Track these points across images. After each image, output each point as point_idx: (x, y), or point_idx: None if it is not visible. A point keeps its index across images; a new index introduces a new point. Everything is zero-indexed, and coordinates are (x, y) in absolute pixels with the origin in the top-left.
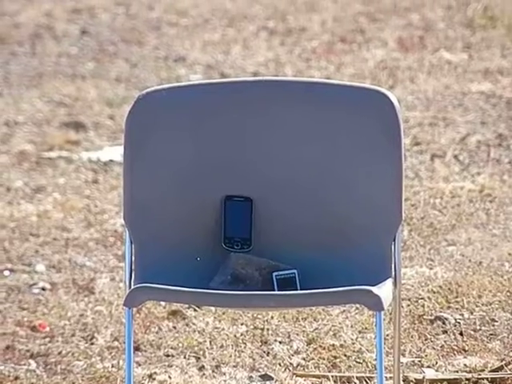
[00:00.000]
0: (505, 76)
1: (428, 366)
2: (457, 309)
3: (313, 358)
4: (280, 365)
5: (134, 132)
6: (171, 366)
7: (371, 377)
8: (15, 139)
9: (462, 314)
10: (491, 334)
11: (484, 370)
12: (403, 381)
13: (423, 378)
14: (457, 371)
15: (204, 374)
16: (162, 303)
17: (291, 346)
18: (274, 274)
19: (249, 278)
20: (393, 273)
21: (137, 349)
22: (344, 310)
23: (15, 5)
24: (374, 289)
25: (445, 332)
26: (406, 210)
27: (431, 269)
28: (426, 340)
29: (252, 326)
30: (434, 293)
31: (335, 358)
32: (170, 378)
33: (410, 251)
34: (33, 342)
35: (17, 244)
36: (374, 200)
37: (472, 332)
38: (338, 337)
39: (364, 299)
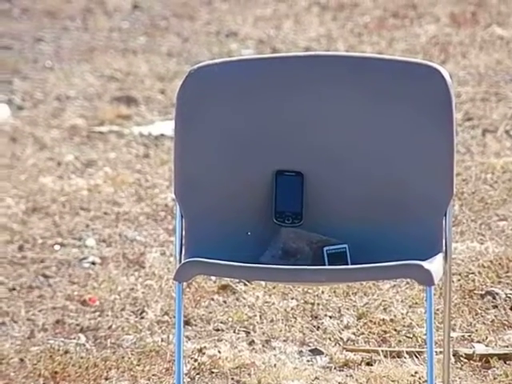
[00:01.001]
0: None
1: (478, 341)
2: (507, 284)
3: (363, 333)
4: (330, 339)
5: (185, 106)
6: (221, 341)
7: (421, 351)
8: (66, 113)
9: None
10: None
11: None
12: (453, 355)
13: (473, 352)
14: (507, 346)
15: (254, 349)
16: (212, 278)
17: (341, 321)
18: (325, 248)
19: (299, 252)
20: (444, 247)
21: (187, 323)
22: (394, 285)
23: None
24: (425, 263)
25: (495, 307)
26: (457, 185)
27: (482, 244)
28: (476, 315)
29: (302, 301)
30: (485, 268)
31: (385, 332)
32: (219, 352)
33: (461, 226)
34: (83, 316)
35: (67, 218)
36: (426, 175)
37: None
38: (388, 311)
39: (415, 274)
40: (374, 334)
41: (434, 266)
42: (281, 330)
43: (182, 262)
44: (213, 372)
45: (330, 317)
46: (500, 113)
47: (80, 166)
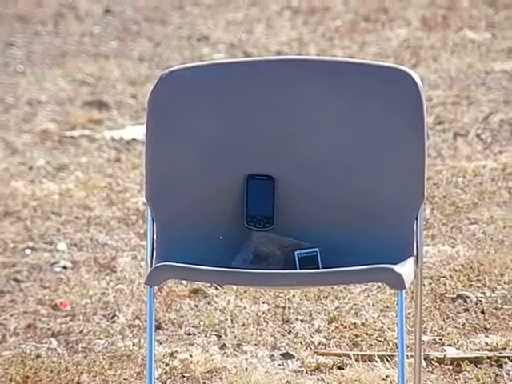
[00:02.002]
0: None
1: (449, 345)
2: (478, 287)
3: (334, 337)
4: (301, 343)
5: (157, 111)
6: (192, 345)
7: (392, 355)
8: (38, 118)
9: (484, 293)
10: None
11: (506, 349)
12: (424, 359)
13: (444, 356)
14: (478, 350)
15: (225, 353)
16: (184, 282)
17: (312, 325)
18: (296, 252)
19: (271, 256)
20: (415, 251)
21: (158, 327)
22: (366, 289)
23: None
24: (396, 267)
25: (466, 310)
26: (428, 189)
27: (453, 247)
28: (447, 318)
29: (273, 305)
30: (456, 271)
31: (356, 336)
32: (191, 356)
33: (432, 230)
34: (54, 321)
35: (39, 222)
36: (397, 179)
37: (494, 310)
38: (360, 315)
39: (386, 277)
40: (345, 337)
41: (405, 269)
42: (252, 334)
43: (153, 266)
44: (184, 376)
45: (302, 321)
46: (471, 116)
47: (51, 170)
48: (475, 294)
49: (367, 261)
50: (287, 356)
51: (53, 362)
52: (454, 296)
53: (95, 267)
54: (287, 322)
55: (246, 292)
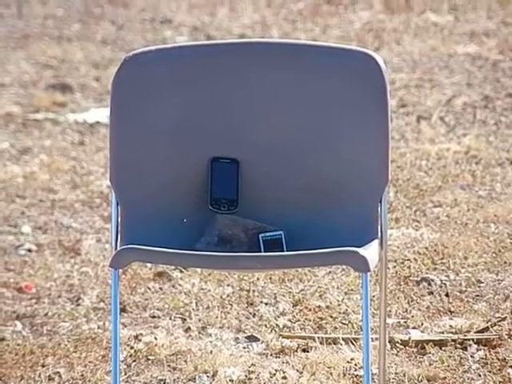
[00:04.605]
0: (491, 38)
1: (414, 327)
2: (443, 270)
3: (299, 320)
4: (266, 326)
5: (120, 94)
6: (157, 327)
7: (357, 338)
8: (1, 101)
9: (448, 276)
10: (477, 296)
11: (470, 331)
12: (389, 342)
13: (409, 338)
14: (442, 332)
15: (190, 336)
16: (148, 265)
17: (277, 308)
18: (261, 235)
19: (235, 239)
20: (379, 234)
21: (123, 310)
22: (330, 272)
23: None
24: (360, 250)
25: (431, 293)
26: (392, 172)
27: (417, 230)
28: (411, 301)
29: (238, 288)
30: (420, 254)
31: (321, 319)
32: (155, 339)
33: (396, 213)
34: (19, 304)
35: (3, 205)
36: (361, 161)
37: (458, 293)
38: (324, 298)
39: (350, 260)
40: (309, 320)
41: (370, 252)
42: (217, 317)
43: (118, 249)
44: (149, 359)
45: (266, 304)
46: (434, 99)
47: (15, 153)
48: (439, 277)
49: (332, 244)
50: (252, 339)
51: (18, 344)
52: (419, 279)
53: (60, 250)
54: (252, 304)
55: (210, 275)
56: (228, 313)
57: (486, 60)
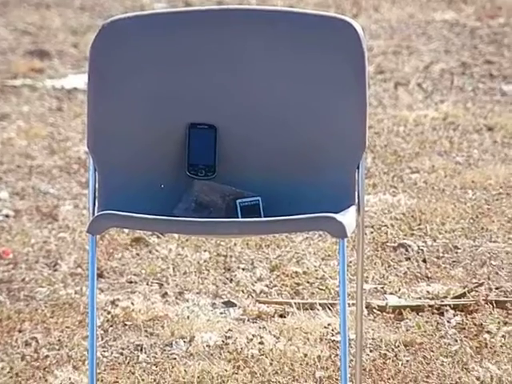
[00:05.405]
0: (468, 5)
1: (391, 293)
2: (420, 236)
3: (276, 285)
4: (243, 292)
5: (98, 60)
6: (134, 293)
7: (334, 303)
8: None
9: (425, 241)
10: (454, 261)
11: (447, 297)
12: (366, 307)
13: (386, 304)
14: (419, 298)
15: (167, 301)
16: (126, 230)
17: (254, 273)
18: (238, 201)
19: (212, 205)
20: (356, 200)
21: (100, 275)
22: (307, 237)
23: None
24: (338, 216)
25: (408, 259)
26: (369, 138)
27: (394, 196)
28: (389, 267)
29: (215, 253)
30: (397, 220)
31: (298, 284)
32: (132, 304)
33: (374, 178)
34: None
35: None
36: (338, 127)
37: (435, 259)
38: (301, 264)
39: (327, 226)
40: (286, 286)
41: (347, 218)
42: (194, 283)
43: (95, 214)
44: (126, 324)
45: (243, 269)
46: (412, 66)
47: None
48: (416, 243)
49: (309, 210)
50: (229, 304)
51: None
52: (396, 245)
53: (37, 216)
54: (229, 270)
55: (187, 240)
56: (205, 278)
57: (464, 27)
